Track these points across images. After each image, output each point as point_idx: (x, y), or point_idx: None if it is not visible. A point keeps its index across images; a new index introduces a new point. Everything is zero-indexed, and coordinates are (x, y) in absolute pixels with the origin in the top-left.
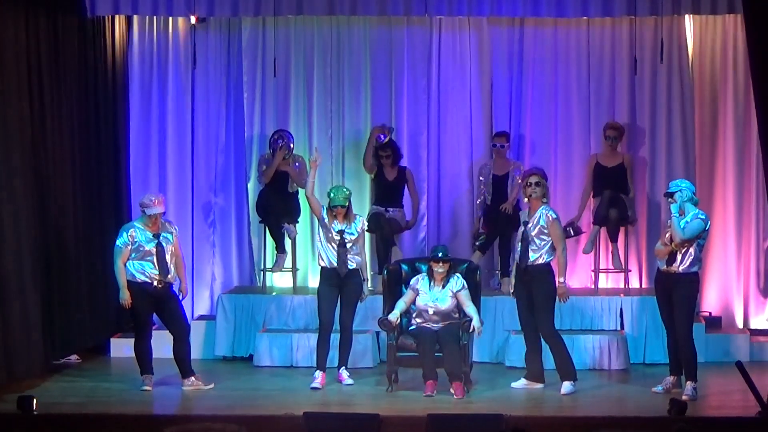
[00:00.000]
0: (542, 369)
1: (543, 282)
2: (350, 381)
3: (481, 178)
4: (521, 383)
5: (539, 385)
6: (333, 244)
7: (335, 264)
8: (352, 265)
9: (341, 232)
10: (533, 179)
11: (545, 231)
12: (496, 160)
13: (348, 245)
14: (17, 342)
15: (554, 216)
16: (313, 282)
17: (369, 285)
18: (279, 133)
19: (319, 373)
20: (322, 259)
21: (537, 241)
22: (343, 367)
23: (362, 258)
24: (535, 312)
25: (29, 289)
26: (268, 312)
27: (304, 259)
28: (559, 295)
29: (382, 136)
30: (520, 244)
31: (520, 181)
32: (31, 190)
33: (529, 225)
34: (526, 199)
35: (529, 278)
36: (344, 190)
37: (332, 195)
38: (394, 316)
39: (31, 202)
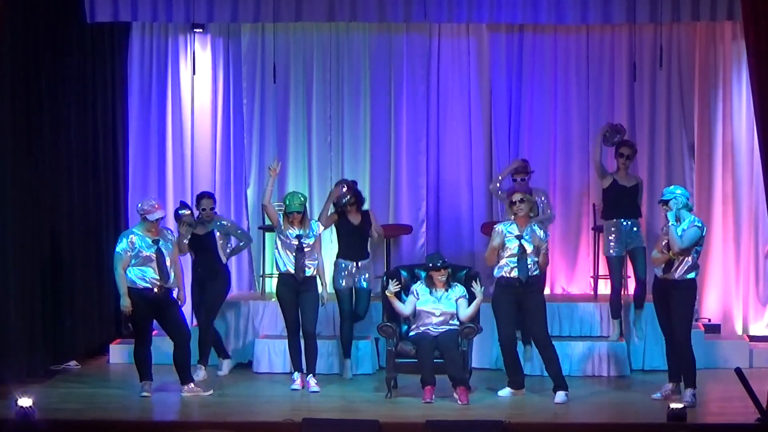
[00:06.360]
0: (524, 377)
1: (539, 291)
2: (317, 389)
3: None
4: (507, 392)
5: (522, 392)
6: (289, 250)
7: (292, 270)
8: (309, 270)
9: (299, 237)
10: (516, 197)
11: (536, 243)
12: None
13: (306, 250)
14: (15, 348)
15: (546, 234)
16: None
17: (327, 290)
18: (180, 204)
19: (297, 375)
20: (278, 267)
21: (534, 256)
22: (311, 375)
23: (319, 262)
24: (533, 320)
25: (27, 294)
26: (267, 318)
27: None
28: None
29: (343, 198)
30: (517, 258)
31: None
32: (28, 195)
33: (524, 239)
34: (512, 217)
35: (524, 290)
36: (299, 196)
37: (288, 201)
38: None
39: (28, 209)
